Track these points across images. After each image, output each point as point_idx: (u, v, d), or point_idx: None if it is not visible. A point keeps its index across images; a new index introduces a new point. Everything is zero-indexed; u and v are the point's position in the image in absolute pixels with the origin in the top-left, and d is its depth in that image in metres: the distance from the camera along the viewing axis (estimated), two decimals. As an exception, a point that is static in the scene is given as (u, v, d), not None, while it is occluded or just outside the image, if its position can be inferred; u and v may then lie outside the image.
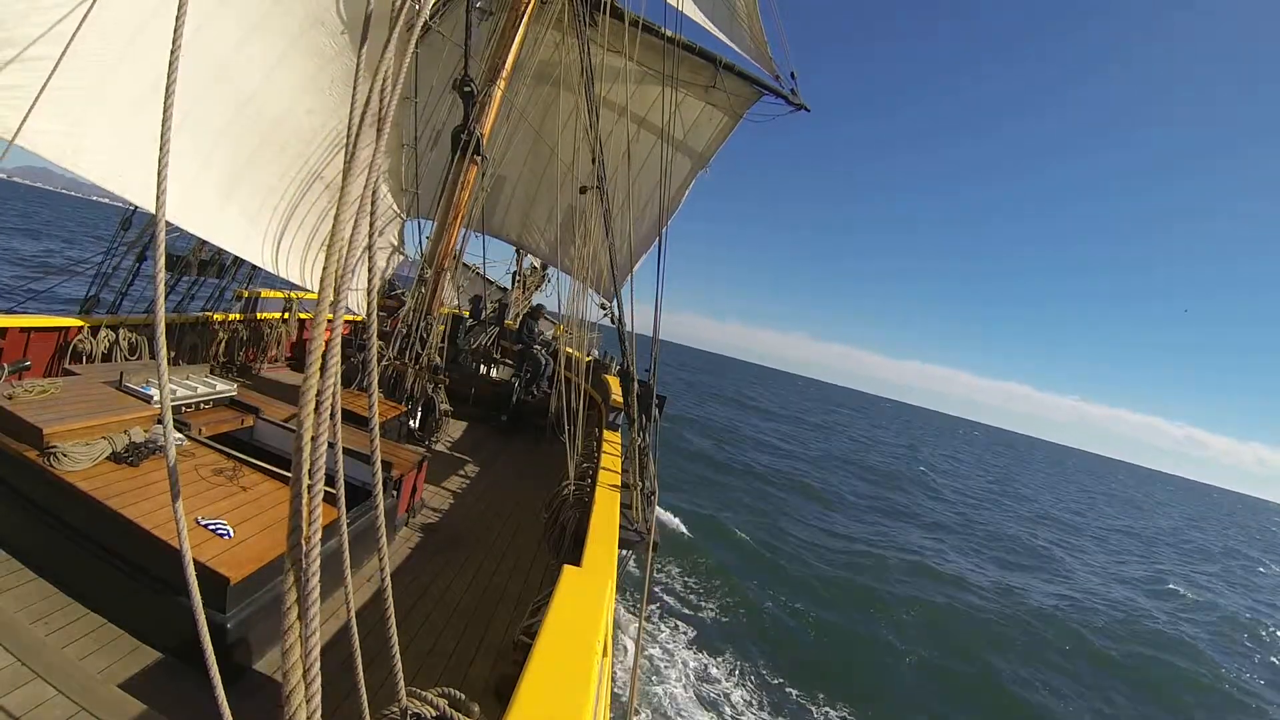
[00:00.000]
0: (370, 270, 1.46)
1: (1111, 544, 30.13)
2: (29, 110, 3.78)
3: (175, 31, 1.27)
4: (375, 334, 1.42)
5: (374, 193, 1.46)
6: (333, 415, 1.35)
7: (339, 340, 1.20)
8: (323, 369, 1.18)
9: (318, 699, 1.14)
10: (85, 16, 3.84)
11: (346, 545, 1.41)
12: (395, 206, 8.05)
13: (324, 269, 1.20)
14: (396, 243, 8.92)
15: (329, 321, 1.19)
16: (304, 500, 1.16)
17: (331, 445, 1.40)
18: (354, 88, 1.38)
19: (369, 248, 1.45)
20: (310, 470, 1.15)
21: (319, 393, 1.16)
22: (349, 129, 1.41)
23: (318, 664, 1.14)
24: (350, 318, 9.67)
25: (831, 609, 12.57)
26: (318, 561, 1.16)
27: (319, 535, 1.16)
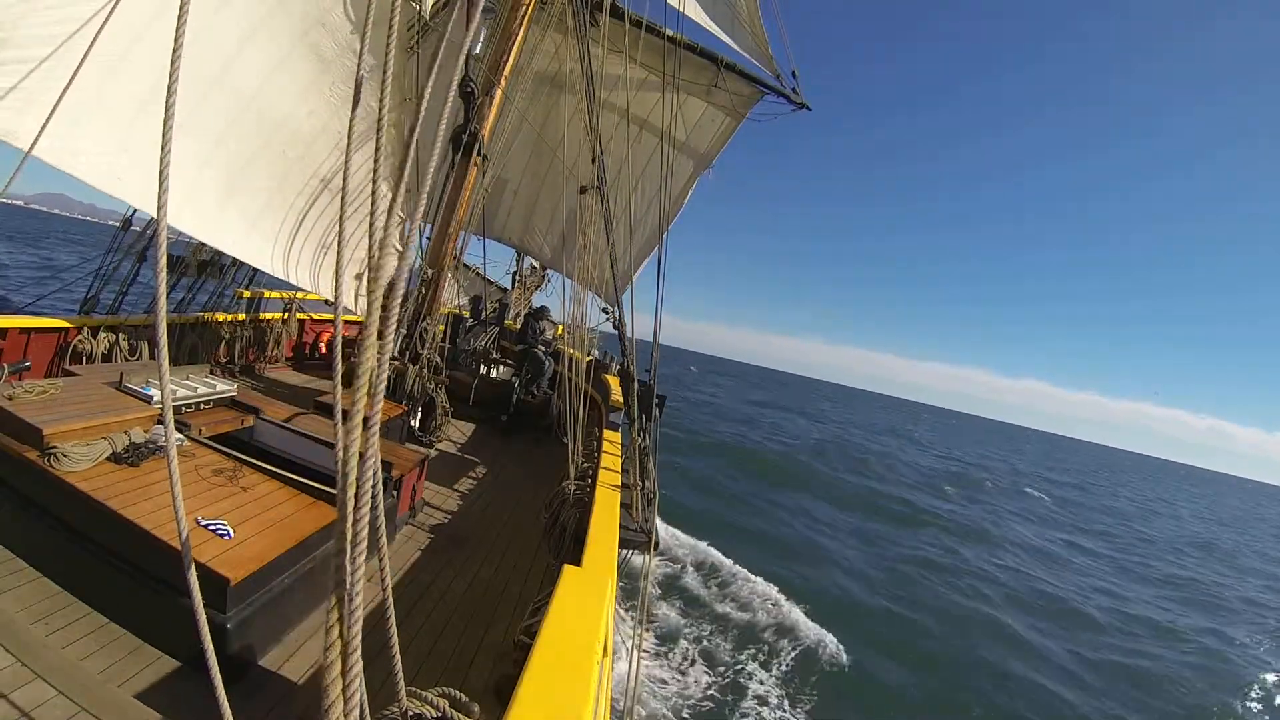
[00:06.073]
0: (371, 270, 1.45)
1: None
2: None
3: (177, 34, 1.27)
4: (375, 333, 1.41)
5: (374, 194, 1.46)
6: (333, 416, 1.35)
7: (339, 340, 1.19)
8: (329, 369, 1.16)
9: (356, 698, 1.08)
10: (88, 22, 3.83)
11: (349, 544, 1.41)
12: (396, 208, 8.04)
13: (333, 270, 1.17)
14: (399, 243, 8.91)
15: (331, 323, 1.18)
16: (350, 502, 1.11)
17: (330, 445, 1.39)
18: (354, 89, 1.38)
19: (370, 248, 1.45)
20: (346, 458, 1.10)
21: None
22: (349, 131, 1.41)
23: (359, 663, 1.09)
24: (350, 318, 9.68)
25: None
26: (362, 557, 1.11)
27: (366, 518, 1.12)
